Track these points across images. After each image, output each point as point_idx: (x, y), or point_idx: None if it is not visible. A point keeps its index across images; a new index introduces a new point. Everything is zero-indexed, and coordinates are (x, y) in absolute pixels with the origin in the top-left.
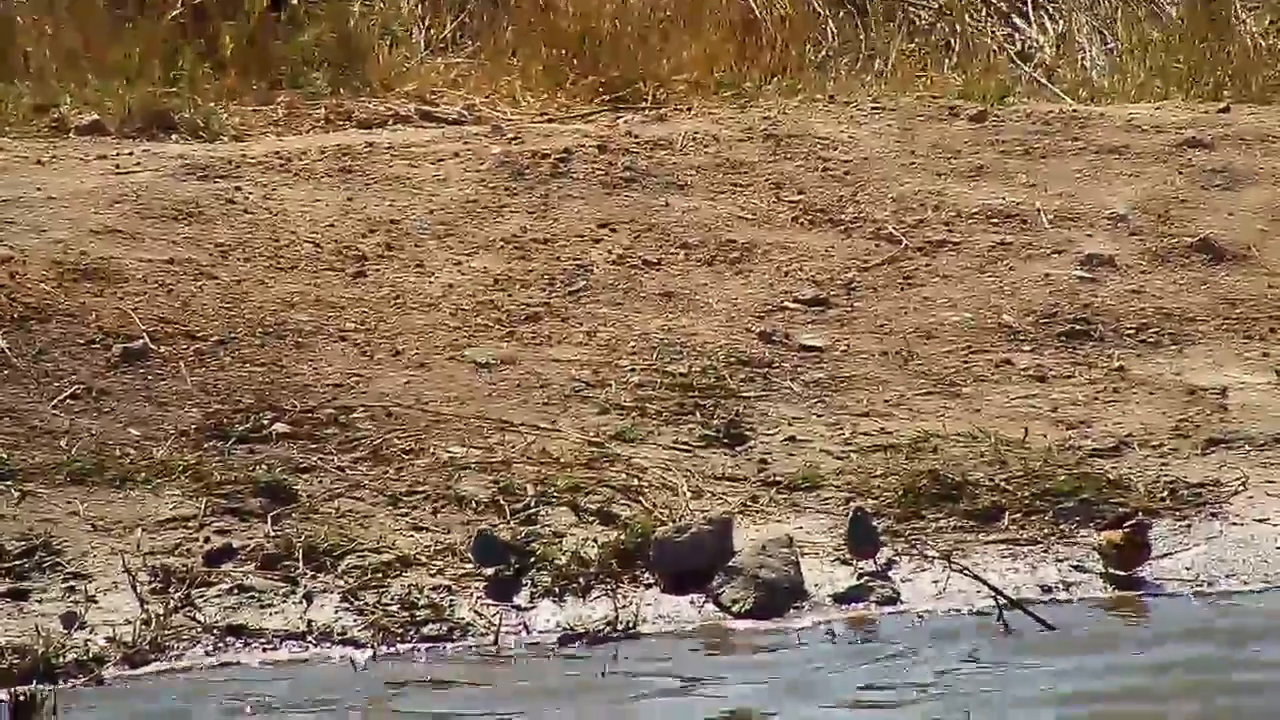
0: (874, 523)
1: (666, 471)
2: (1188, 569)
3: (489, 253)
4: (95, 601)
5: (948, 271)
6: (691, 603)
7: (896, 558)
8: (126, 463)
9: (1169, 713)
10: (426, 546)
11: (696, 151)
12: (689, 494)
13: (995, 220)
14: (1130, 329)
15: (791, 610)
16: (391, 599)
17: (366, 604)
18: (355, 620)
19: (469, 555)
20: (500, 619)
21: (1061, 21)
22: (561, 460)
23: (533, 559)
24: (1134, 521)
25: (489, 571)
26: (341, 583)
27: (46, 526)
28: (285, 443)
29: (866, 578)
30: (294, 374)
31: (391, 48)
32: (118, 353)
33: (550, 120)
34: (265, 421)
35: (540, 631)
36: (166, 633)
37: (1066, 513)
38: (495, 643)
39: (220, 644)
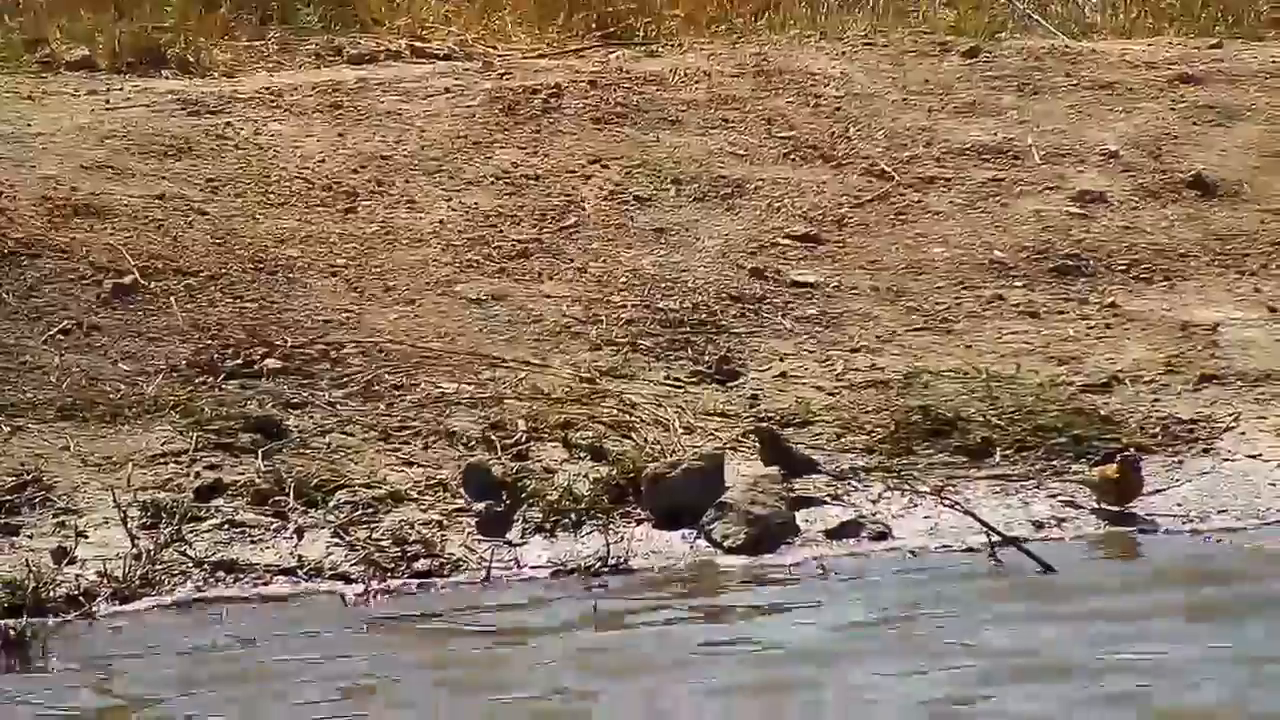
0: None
1: (658, 408)
2: (1179, 505)
3: (480, 189)
4: (86, 537)
5: (939, 207)
6: (683, 538)
7: (888, 493)
8: (117, 398)
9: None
10: (418, 482)
11: (688, 87)
12: (681, 430)
13: (987, 156)
14: (1122, 265)
15: (783, 546)
16: (382, 534)
17: (357, 539)
18: (346, 555)
19: (460, 491)
20: (491, 555)
21: None
22: (553, 396)
23: (524, 494)
24: (1126, 456)
25: (480, 507)
26: (332, 518)
27: (37, 462)
28: (276, 378)
29: (858, 514)
30: (285, 310)
31: None
32: (108, 288)
33: (541, 56)
34: (256, 357)
35: (532, 567)
36: (157, 568)
37: (1058, 449)
38: (486, 578)
39: (211, 579)
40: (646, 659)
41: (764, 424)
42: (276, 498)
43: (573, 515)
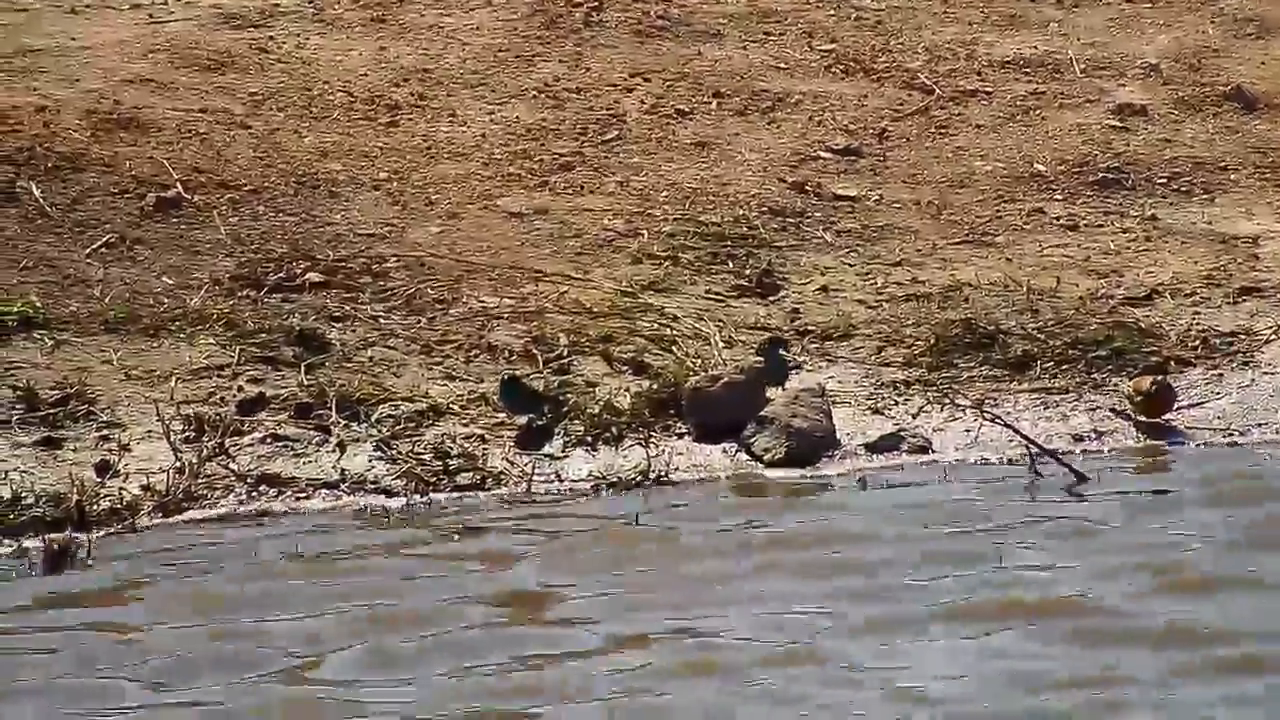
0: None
1: (699, 321)
2: (1219, 418)
3: (522, 102)
4: (129, 450)
5: (980, 121)
6: (724, 452)
7: (928, 407)
8: (160, 312)
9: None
10: (459, 396)
11: (729, 0)
12: (721, 344)
13: (1027, 70)
14: (1162, 178)
15: (823, 459)
16: (424, 448)
17: (399, 453)
18: (388, 469)
19: (500, 404)
20: (533, 468)
21: None
22: (594, 310)
23: (565, 408)
24: (1160, 369)
25: (521, 421)
26: (374, 432)
27: (80, 375)
28: (318, 292)
29: (898, 427)
30: (327, 224)
31: None
32: (151, 202)
33: None
34: (298, 271)
35: (573, 480)
36: (200, 481)
37: (1098, 361)
38: (528, 491)
39: (254, 492)
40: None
41: (506, 370)
42: (319, 411)
43: (614, 429)
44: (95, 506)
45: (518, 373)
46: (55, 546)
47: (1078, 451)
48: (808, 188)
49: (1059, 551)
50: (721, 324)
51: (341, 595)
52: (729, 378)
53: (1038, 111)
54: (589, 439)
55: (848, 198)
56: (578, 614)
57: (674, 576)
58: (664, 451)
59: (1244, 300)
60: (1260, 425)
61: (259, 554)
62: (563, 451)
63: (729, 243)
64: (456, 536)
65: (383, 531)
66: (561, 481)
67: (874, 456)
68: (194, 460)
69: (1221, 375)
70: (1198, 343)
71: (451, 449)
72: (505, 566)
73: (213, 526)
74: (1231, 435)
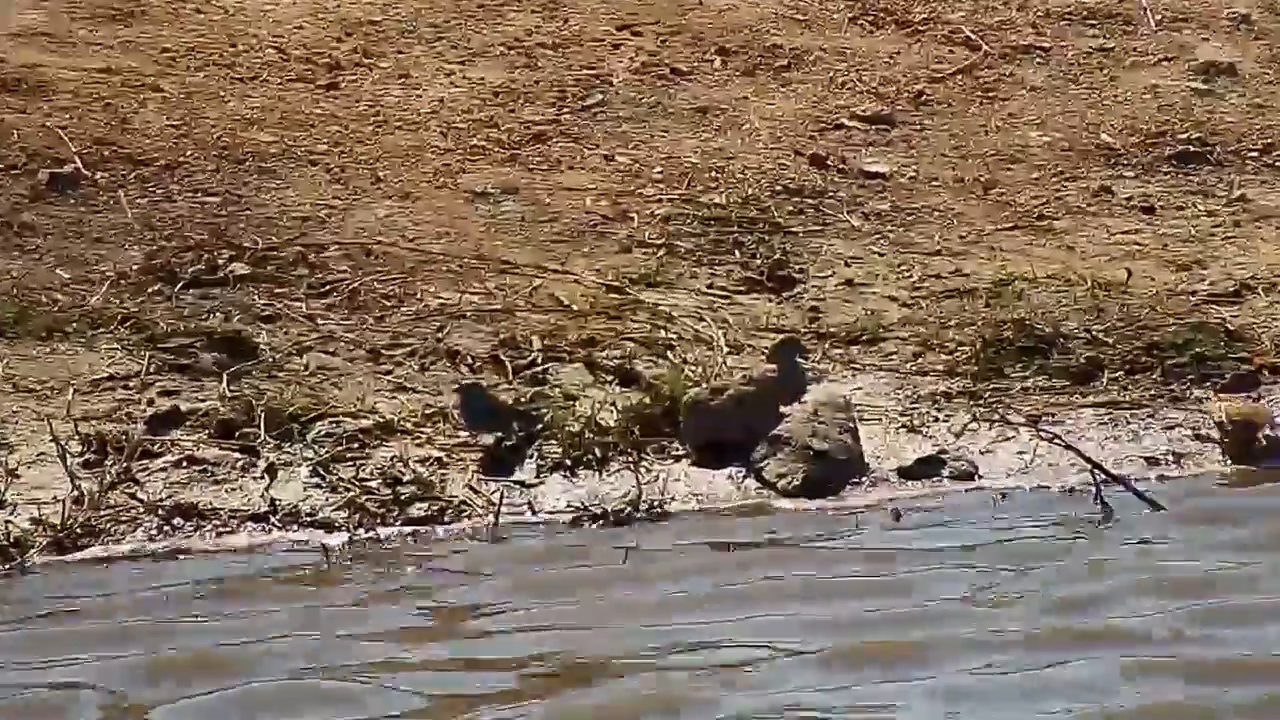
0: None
1: (700, 321)
2: None
3: (488, 60)
4: (17, 476)
5: (1036, 82)
6: (729, 478)
7: (974, 424)
8: (54, 311)
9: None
10: (413, 411)
11: None
12: (726, 348)
13: (1092, 21)
14: (1254, 151)
15: (848, 487)
16: (371, 473)
17: (341, 479)
18: (328, 499)
19: (460, 419)
20: (501, 497)
21: None
22: (574, 308)
23: (538, 425)
24: (1252, 380)
25: (487, 440)
26: (311, 454)
27: None
28: (245, 286)
29: (939, 449)
30: (255, 205)
31: None
32: (44, 179)
33: None
34: (221, 261)
35: (549, 512)
36: (102, 513)
37: (1177, 370)
38: (496, 525)
39: (167, 526)
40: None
41: (467, 379)
42: (245, 430)
43: (598, 451)
44: None
45: (481, 381)
46: None
47: (1153, 477)
48: (829, 162)
49: (1137, 606)
50: (726, 325)
51: (245, 665)
52: (735, 389)
53: (1105, 71)
54: (568, 462)
55: (877, 174)
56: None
57: (666, 639)
58: (658, 477)
59: None
60: None
61: (171, 598)
62: (537, 477)
63: (735, 228)
64: (404, 584)
65: (318, 575)
66: (535, 513)
67: (909, 484)
68: (95, 488)
69: None
70: None
71: (403, 475)
72: (458, 620)
73: (118, 566)
74: None
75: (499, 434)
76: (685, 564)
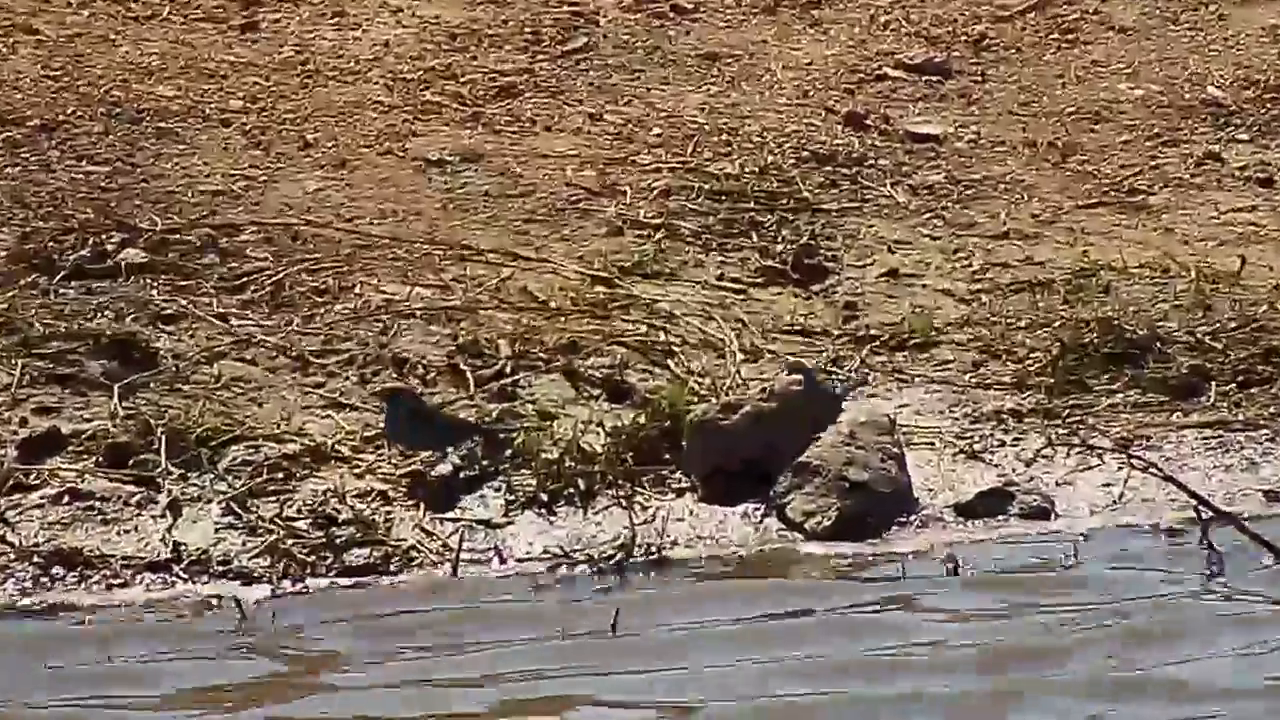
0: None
1: (708, 321)
2: None
3: None
4: None
5: (1126, 22)
6: (744, 516)
7: (1049, 449)
8: None
9: None
10: (350, 433)
11: None
12: (741, 355)
13: None
14: None
15: (893, 528)
16: (298, 511)
17: (261, 519)
18: (245, 543)
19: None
20: (460, 541)
21: None
22: (552, 305)
23: (510, 451)
24: None
25: (443, 470)
26: (224, 487)
27: None
28: (140, 278)
29: (1005, 480)
30: (153, 176)
31: None
32: None
33: None
34: (110, 247)
35: (520, 559)
36: None
37: None
38: (454, 574)
39: (44, 576)
40: None
41: (397, 383)
42: (141, 457)
43: (581, 482)
44: None
45: (397, 386)
46: None
47: (1273, 516)
48: (869, 122)
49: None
50: (741, 326)
51: None
52: (752, 406)
53: (1212, 8)
54: (544, 497)
55: (928, 138)
56: None
57: None
58: (655, 516)
59: None
60: None
61: (49, 667)
62: (505, 515)
63: (752, 205)
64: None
65: (229, 639)
66: (504, 561)
67: (969, 523)
68: None
69: None
70: None
71: (338, 513)
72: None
73: None
74: None
75: (446, 450)
76: (691, 630)
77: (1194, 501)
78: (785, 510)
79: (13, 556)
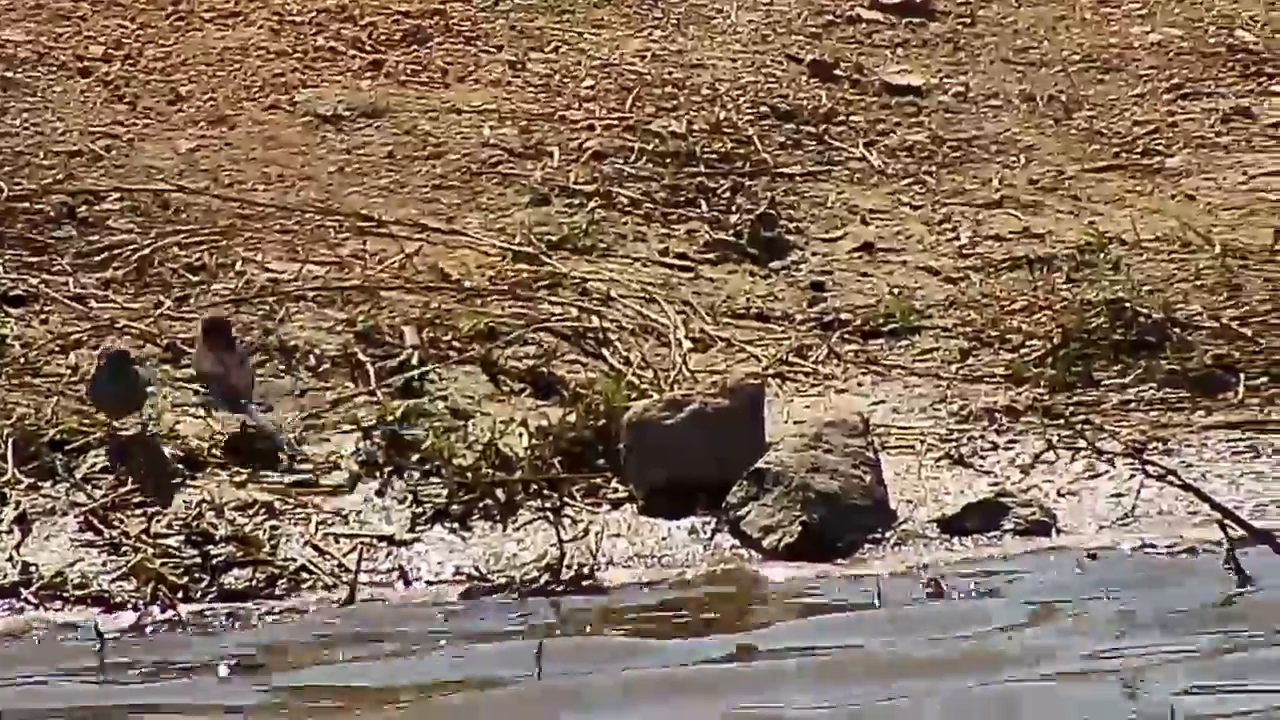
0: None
1: (649, 304)
2: None
3: None
4: None
5: None
6: (692, 532)
7: (1049, 454)
8: None
9: None
10: (230, 434)
11: None
12: (688, 343)
13: None
14: None
15: (866, 545)
16: (170, 526)
17: (126, 535)
18: (107, 563)
19: (295, 446)
20: (359, 560)
21: None
22: (466, 285)
23: (416, 455)
24: None
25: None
26: (83, 498)
27: None
28: None
29: (998, 490)
30: None
31: None
32: None
33: None
34: None
35: (428, 581)
36: None
37: None
38: (350, 600)
39: None
40: None
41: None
42: None
43: (500, 492)
44: None
45: (111, 347)
46: None
47: None
48: (839, 72)
49: None
50: (689, 309)
51: None
52: (702, 402)
53: None
54: (456, 509)
55: (909, 89)
56: None
57: None
58: (588, 531)
59: None
60: None
61: None
62: (411, 530)
63: (702, 168)
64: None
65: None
66: (409, 584)
67: (955, 541)
68: None
69: None
70: None
71: (216, 528)
72: None
73: None
74: None
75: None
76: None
77: (1219, 515)
78: (740, 525)
79: None
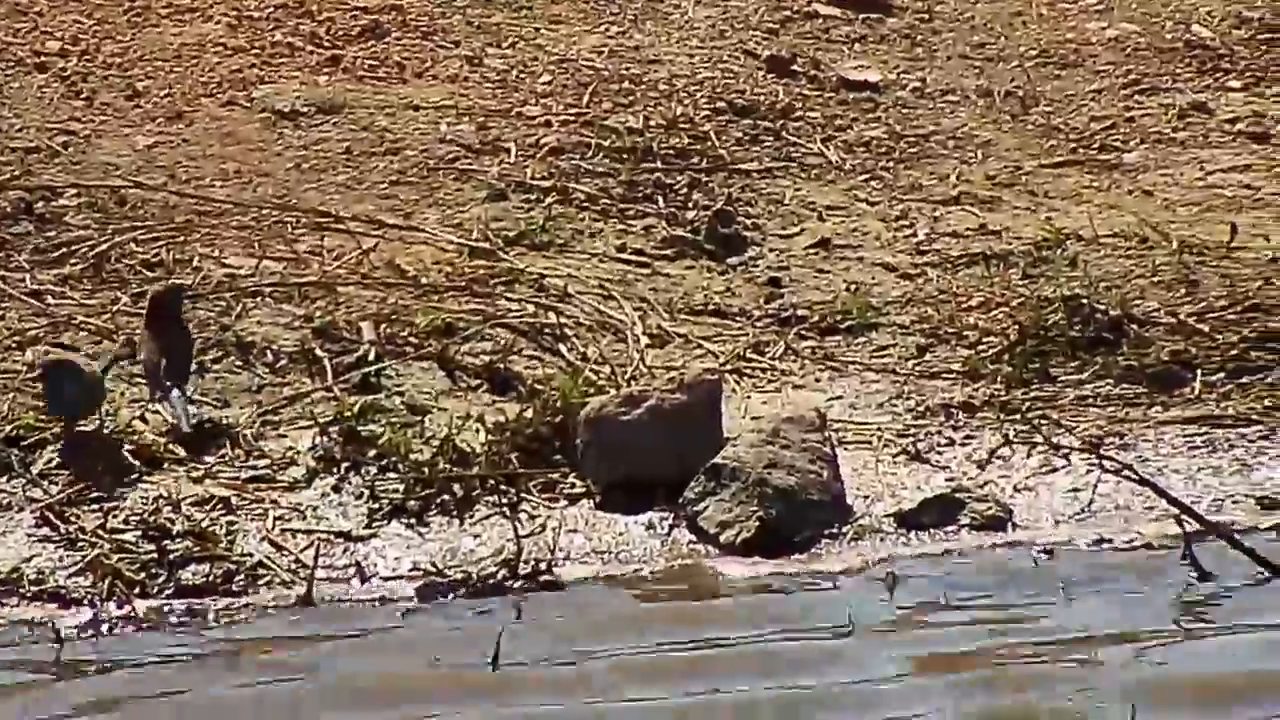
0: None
1: (606, 300)
2: None
3: None
4: None
5: None
6: (649, 528)
7: (1006, 449)
8: None
9: None
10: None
11: None
12: (645, 339)
13: None
14: None
15: (823, 540)
16: (126, 521)
17: (83, 530)
18: (62, 559)
19: (258, 445)
20: (316, 556)
21: None
22: (423, 281)
23: (374, 452)
24: None
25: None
26: (39, 493)
27: None
28: None
29: (955, 485)
30: None
31: None
32: None
33: None
34: None
35: (385, 577)
36: None
37: None
38: (307, 597)
39: None
40: None
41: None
42: None
43: (457, 488)
44: None
45: (58, 358)
46: None
47: (1268, 526)
48: (796, 68)
49: None
50: (646, 305)
51: None
52: (659, 398)
53: None
54: (413, 505)
55: (866, 85)
56: None
57: None
58: (545, 526)
59: None
60: None
61: None
62: (368, 527)
63: (658, 164)
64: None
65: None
66: (365, 580)
67: (912, 535)
68: None
69: None
70: None
71: (173, 522)
72: None
73: None
74: None
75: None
76: (585, 663)
77: (1176, 510)
78: (697, 520)
79: None
